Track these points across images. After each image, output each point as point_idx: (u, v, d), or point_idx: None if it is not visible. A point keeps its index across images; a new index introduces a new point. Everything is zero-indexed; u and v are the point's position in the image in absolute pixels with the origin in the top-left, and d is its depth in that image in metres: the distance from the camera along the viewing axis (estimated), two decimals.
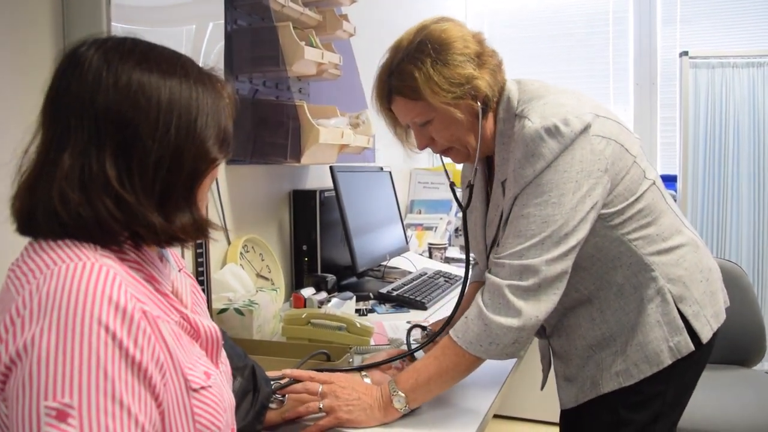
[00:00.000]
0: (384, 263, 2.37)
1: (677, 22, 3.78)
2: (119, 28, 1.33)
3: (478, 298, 1.15)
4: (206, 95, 0.77)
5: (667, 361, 1.21)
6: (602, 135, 1.14)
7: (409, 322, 1.81)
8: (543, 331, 1.37)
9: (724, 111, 3.23)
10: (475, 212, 1.36)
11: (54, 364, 0.62)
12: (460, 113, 1.18)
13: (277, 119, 1.99)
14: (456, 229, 3.14)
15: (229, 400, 0.84)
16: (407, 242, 2.67)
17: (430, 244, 2.84)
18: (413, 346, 1.37)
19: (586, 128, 1.12)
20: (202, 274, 1.45)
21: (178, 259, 0.90)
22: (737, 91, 3.22)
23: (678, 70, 3.28)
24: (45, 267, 0.67)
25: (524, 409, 2.98)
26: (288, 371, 1.18)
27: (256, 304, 1.55)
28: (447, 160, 1.33)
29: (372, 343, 1.52)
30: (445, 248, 2.80)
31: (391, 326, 1.76)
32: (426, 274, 2.31)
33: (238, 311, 1.52)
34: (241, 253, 1.88)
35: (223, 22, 1.77)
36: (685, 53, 3.23)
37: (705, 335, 1.23)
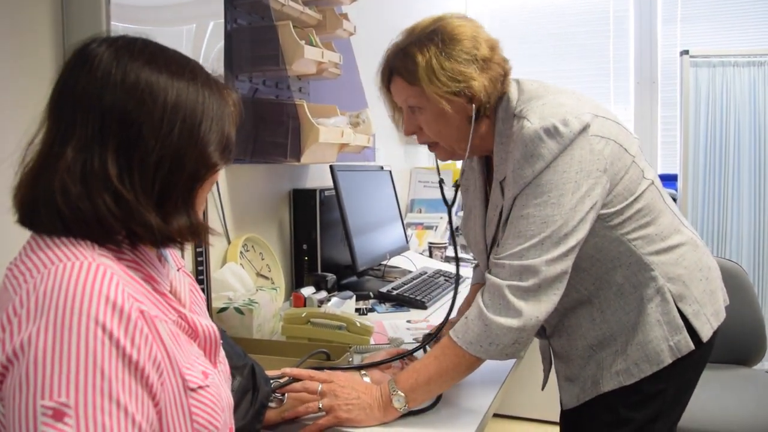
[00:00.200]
0: (384, 262, 2.37)
1: (678, 21, 3.78)
2: (119, 27, 1.33)
3: (479, 298, 1.15)
4: (212, 100, 0.77)
5: (668, 360, 1.21)
6: (601, 135, 1.14)
7: (409, 321, 1.81)
8: (543, 331, 1.37)
9: (724, 110, 3.22)
10: (474, 211, 1.36)
11: (51, 364, 0.62)
12: (451, 110, 1.17)
13: (277, 118, 1.99)
14: (456, 228, 3.13)
15: (227, 399, 0.84)
16: (407, 241, 2.67)
17: (431, 243, 2.84)
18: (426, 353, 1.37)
19: (584, 128, 1.12)
20: (201, 273, 1.45)
21: (177, 259, 0.90)
22: (738, 90, 3.21)
23: (678, 69, 3.28)
24: (42, 266, 0.68)
25: (524, 409, 2.98)
26: (287, 370, 1.18)
27: (256, 303, 1.55)
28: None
29: (372, 342, 1.52)
30: (445, 247, 2.80)
31: (391, 325, 1.76)
32: (426, 273, 2.31)
33: (238, 310, 1.52)
34: (241, 252, 1.88)
35: (222, 21, 1.77)
36: (686, 52, 3.23)
37: (705, 334, 1.23)
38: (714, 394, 1.99)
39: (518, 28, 3.99)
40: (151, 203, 0.73)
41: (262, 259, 2.01)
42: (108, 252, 0.72)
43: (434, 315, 1.90)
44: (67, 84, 0.74)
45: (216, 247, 1.82)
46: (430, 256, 2.76)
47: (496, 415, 2.97)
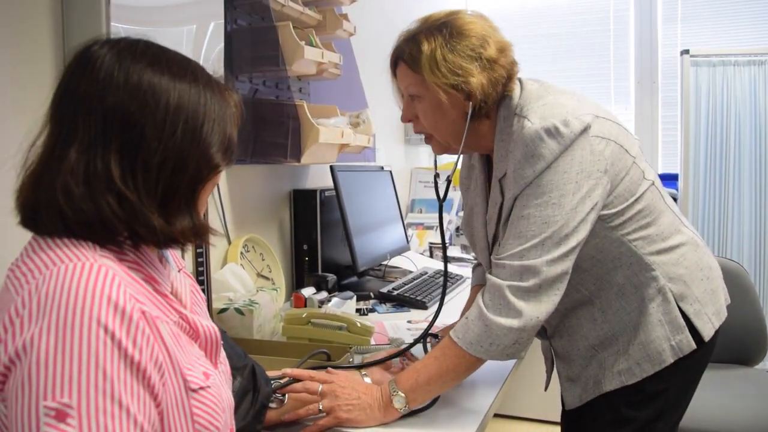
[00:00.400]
0: (384, 263, 2.37)
1: (678, 21, 3.78)
2: (119, 28, 1.33)
3: (479, 299, 1.15)
4: (214, 102, 0.78)
5: (669, 359, 1.21)
6: (602, 136, 1.14)
7: (409, 321, 1.81)
8: (544, 332, 1.37)
9: (725, 109, 3.22)
10: (476, 209, 1.37)
11: (53, 364, 0.62)
12: (448, 102, 1.18)
13: (277, 119, 1.99)
14: (457, 228, 3.13)
15: (228, 400, 0.85)
16: (408, 241, 2.67)
17: (431, 243, 2.84)
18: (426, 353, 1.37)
19: (585, 129, 1.12)
20: (202, 274, 1.45)
21: (178, 260, 0.90)
22: (738, 89, 3.21)
23: (679, 68, 3.28)
24: (44, 267, 0.68)
25: (525, 409, 2.98)
26: (288, 370, 1.18)
27: (257, 303, 1.55)
28: (442, 158, 1.36)
29: (372, 342, 1.52)
30: (446, 247, 2.80)
31: (392, 326, 1.76)
32: (427, 273, 2.31)
33: (239, 311, 1.52)
34: (241, 253, 1.88)
35: (222, 21, 1.77)
36: (686, 51, 3.23)
37: (707, 333, 1.23)
38: (715, 393, 1.99)
39: (518, 28, 3.98)
40: (154, 204, 0.73)
41: (263, 260, 2.01)
42: (109, 253, 0.72)
43: (432, 316, 1.90)
44: (69, 86, 0.74)
45: (216, 247, 1.82)
46: (431, 256, 2.76)
47: (496, 415, 2.97)
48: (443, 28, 1.17)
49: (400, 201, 2.69)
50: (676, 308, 1.21)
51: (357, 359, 1.36)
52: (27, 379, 0.62)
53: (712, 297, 1.27)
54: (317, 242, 2.14)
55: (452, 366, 1.14)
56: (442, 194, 1.33)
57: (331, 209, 2.18)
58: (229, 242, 1.90)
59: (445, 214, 3.26)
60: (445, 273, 1.34)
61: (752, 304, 2.24)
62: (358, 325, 1.50)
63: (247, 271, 1.84)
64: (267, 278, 2.01)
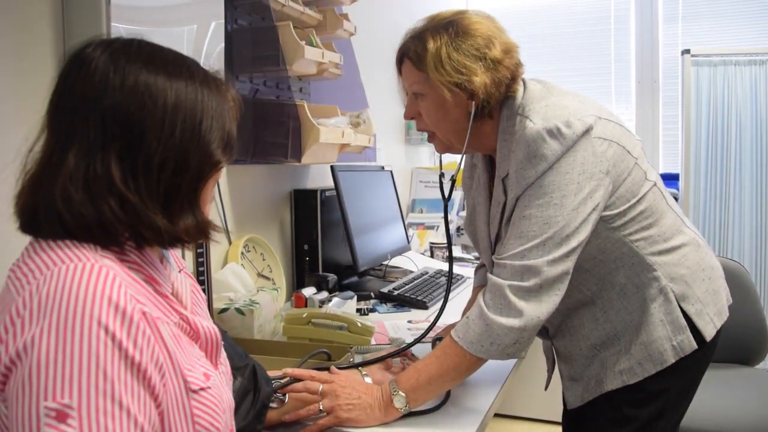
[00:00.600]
0: (385, 262, 2.37)
1: (679, 20, 3.78)
2: (120, 28, 1.33)
3: (480, 298, 1.15)
4: (211, 98, 0.77)
5: (671, 359, 1.21)
6: (604, 137, 1.15)
7: (410, 321, 1.81)
8: (546, 332, 1.37)
9: (726, 109, 3.22)
10: (479, 208, 1.37)
11: (54, 365, 0.62)
12: (451, 101, 1.18)
13: (278, 119, 1.99)
14: (458, 228, 3.13)
15: (228, 401, 0.85)
16: (408, 241, 2.67)
17: (432, 243, 2.84)
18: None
19: (587, 130, 1.12)
20: (202, 274, 1.45)
21: (179, 260, 0.90)
22: (739, 88, 3.21)
23: (680, 68, 3.28)
24: (45, 267, 0.68)
25: (526, 408, 2.98)
26: (289, 370, 1.18)
27: (257, 303, 1.55)
28: (445, 158, 1.35)
29: (373, 342, 1.52)
30: (446, 247, 2.80)
31: (392, 326, 1.76)
32: (427, 273, 2.31)
33: (239, 311, 1.52)
34: (242, 253, 1.88)
35: (223, 21, 1.77)
36: (687, 51, 3.22)
37: (708, 333, 1.23)
38: (716, 393, 1.99)
39: (519, 28, 3.98)
40: (157, 205, 0.73)
41: (263, 260, 2.01)
42: (110, 253, 0.72)
43: (435, 315, 1.90)
44: (65, 90, 0.74)
45: (217, 247, 1.82)
46: (432, 256, 2.76)
47: (497, 415, 2.97)
48: (449, 27, 1.17)
49: (400, 201, 2.69)
50: (678, 308, 1.21)
51: (358, 359, 1.37)
52: (27, 379, 0.62)
53: (713, 297, 1.27)
54: (318, 242, 2.14)
55: (453, 365, 1.14)
56: (447, 194, 1.33)
57: (331, 209, 2.19)
58: (230, 242, 1.90)
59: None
60: (450, 272, 1.34)
61: (753, 303, 2.24)
62: (359, 325, 1.50)
63: (248, 271, 1.84)
64: (267, 278, 2.01)
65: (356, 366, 1.26)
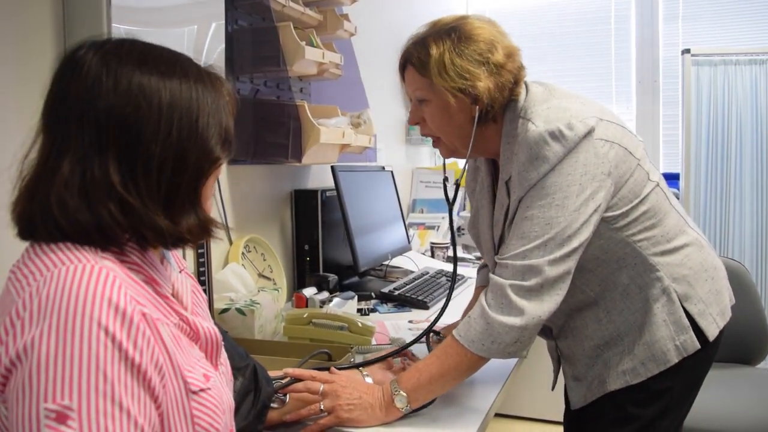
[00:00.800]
0: (386, 263, 2.37)
1: (679, 20, 3.78)
2: (120, 29, 1.33)
3: (482, 298, 1.15)
4: (206, 94, 0.77)
5: (674, 359, 1.22)
6: (606, 139, 1.15)
7: (411, 321, 1.81)
8: (550, 332, 1.37)
9: (726, 108, 3.22)
10: (482, 211, 1.37)
11: (54, 367, 0.62)
12: (455, 106, 1.18)
13: (278, 119, 1.99)
14: (458, 228, 3.14)
15: (228, 402, 0.84)
16: (409, 241, 2.67)
17: (432, 243, 2.84)
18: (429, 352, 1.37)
19: (589, 132, 1.13)
20: (203, 274, 1.45)
21: (180, 260, 0.90)
22: (739, 88, 3.21)
23: (680, 67, 3.27)
24: (45, 269, 0.67)
25: (527, 408, 2.98)
26: (289, 370, 1.18)
27: (258, 303, 1.55)
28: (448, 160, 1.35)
29: (373, 342, 1.52)
30: (447, 247, 2.80)
31: (393, 326, 1.76)
32: (428, 273, 2.31)
33: (240, 311, 1.52)
34: (242, 253, 1.88)
35: (223, 22, 1.77)
36: (687, 51, 3.22)
37: (711, 333, 1.24)
38: (717, 393, 1.99)
39: (519, 28, 3.98)
40: (158, 206, 0.73)
41: (264, 260, 2.01)
42: (110, 255, 0.72)
43: (436, 315, 1.90)
44: (58, 94, 0.73)
45: (218, 248, 1.82)
46: (432, 256, 2.76)
47: (498, 415, 2.97)
48: (452, 33, 1.18)
49: (401, 201, 2.69)
50: (681, 308, 1.22)
51: (358, 359, 1.37)
52: (28, 381, 0.62)
53: (716, 297, 1.27)
54: (318, 242, 2.14)
55: (454, 365, 1.15)
56: (451, 198, 1.33)
57: (332, 209, 2.19)
58: (231, 242, 1.90)
59: (446, 214, 3.26)
60: (454, 274, 1.34)
61: (754, 303, 2.24)
62: (360, 325, 1.50)
63: (249, 272, 1.84)
64: (268, 278, 2.01)
65: (357, 366, 1.26)
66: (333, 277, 2.02)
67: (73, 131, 0.71)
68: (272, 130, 1.99)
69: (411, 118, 1.29)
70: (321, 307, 1.75)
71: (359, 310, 1.91)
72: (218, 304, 1.55)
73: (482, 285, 1.54)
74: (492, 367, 1.21)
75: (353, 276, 2.21)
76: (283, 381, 1.16)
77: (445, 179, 1.37)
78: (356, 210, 2.16)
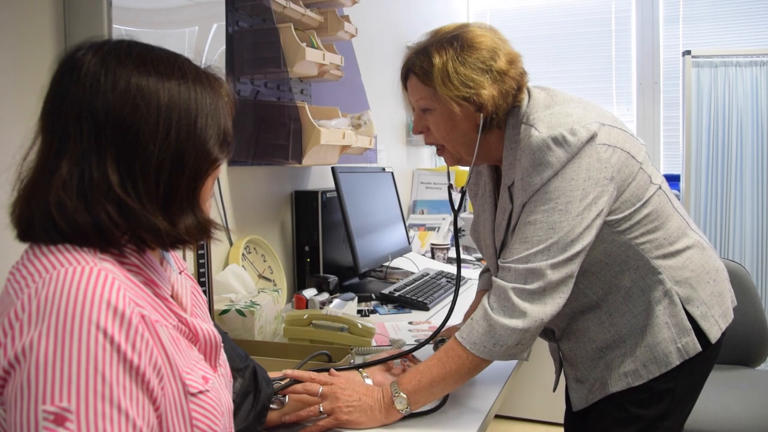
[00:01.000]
0: (386, 264, 2.37)
1: (680, 21, 3.78)
2: (121, 30, 1.33)
3: (484, 301, 1.16)
4: (205, 95, 0.77)
5: (676, 361, 1.22)
6: (608, 143, 1.15)
7: (411, 323, 1.81)
8: (552, 334, 1.37)
9: (726, 110, 3.22)
10: (484, 216, 1.37)
11: (52, 368, 0.62)
12: (460, 114, 1.19)
13: (279, 120, 1.99)
14: (459, 229, 3.13)
15: (227, 404, 0.84)
16: (409, 243, 2.67)
17: (433, 244, 2.84)
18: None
19: (592, 137, 1.13)
20: (203, 275, 1.45)
21: (179, 261, 0.90)
22: (740, 90, 3.21)
23: (681, 69, 3.28)
24: (44, 271, 0.67)
25: (527, 410, 2.98)
26: (288, 372, 1.18)
27: (258, 305, 1.55)
28: (442, 161, 1.35)
29: (373, 343, 1.52)
30: (447, 249, 2.80)
31: (393, 327, 1.76)
32: (428, 274, 2.31)
33: (240, 312, 1.52)
34: (243, 254, 1.88)
35: (224, 24, 1.77)
36: (688, 52, 3.23)
37: (713, 335, 1.24)
38: (717, 394, 1.98)
39: (519, 29, 3.99)
40: (156, 207, 0.73)
41: (264, 261, 2.01)
42: (110, 256, 0.72)
43: (436, 316, 1.90)
44: (57, 95, 0.73)
45: (218, 249, 1.83)
46: (433, 257, 2.76)
47: (498, 417, 2.96)
48: (454, 41, 1.18)
49: (401, 202, 2.69)
50: (683, 311, 1.22)
51: (358, 360, 1.37)
52: (26, 383, 0.62)
53: (718, 299, 1.28)
54: (319, 243, 2.15)
55: (455, 367, 1.15)
56: (457, 204, 1.34)
57: (332, 210, 2.19)
58: (231, 243, 1.90)
59: (448, 216, 3.26)
60: (458, 280, 1.34)
61: (754, 305, 2.24)
62: (360, 326, 1.50)
63: (249, 273, 1.84)
64: (268, 279, 2.01)
65: (357, 367, 1.26)
66: (333, 279, 2.02)
67: (72, 132, 0.71)
68: (273, 131, 1.99)
69: (415, 127, 1.29)
70: (321, 308, 1.75)
71: (359, 312, 1.91)
72: (218, 305, 1.55)
73: (484, 289, 1.54)
74: (492, 368, 1.21)
75: (353, 277, 2.21)
76: (283, 382, 1.16)
77: (450, 186, 1.38)
78: (356, 211, 2.16)
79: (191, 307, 0.86)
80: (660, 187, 1.24)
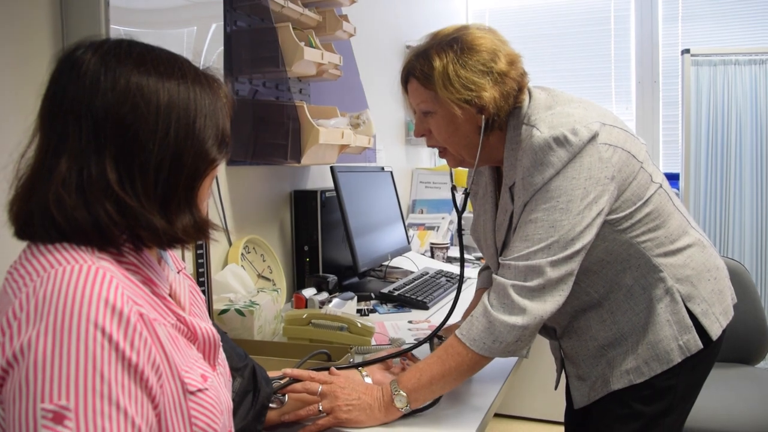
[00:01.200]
0: (385, 263, 2.37)
1: (679, 20, 3.78)
2: (119, 30, 1.33)
3: (484, 298, 1.16)
4: (204, 96, 0.77)
5: (677, 359, 1.23)
6: (609, 143, 1.16)
7: (410, 322, 1.81)
8: (554, 332, 1.38)
9: (726, 108, 3.22)
10: (484, 216, 1.38)
11: (51, 367, 0.62)
12: (461, 117, 1.19)
13: (277, 120, 1.99)
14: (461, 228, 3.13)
15: (227, 402, 0.84)
16: (409, 242, 2.67)
17: (432, 243, 2.84)
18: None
19: (593, 137, 1.14)
20: (202, 275, 1.45)
21: (177, 261, 0.90)
22: (739, 88, 3.21)
23: (680, 67, 3.28)
24: (42, 270, 0.67)
25: (527, 408, 2.98)
26: (288, 371, 1.18)
27: (257, 304, 1.55)
28: (441, 161, 1.35)
29: (373, 343, 1.52)
30: (447, 248, 2.80)
31: (393, 326, 1.76)
32: (428, 273, 2.31)
33: (239, 312, 1.52)
34: (242, 254, 1.88)
35: (222, 23, 1.77)
36: (687, 51, 3.23)
37: (714, 332, 1.25)
38: (717, 392, 1.98)
39: (519, 28, 3.99)
40: (154, 206, 0.73)
41: (264, 261, 2.01)
42: (108, 255, 0.72)
43: (436, 315, 1.90)
44: (56, 93, 0.73)
45: (217, 248, 1.82)
46: (432, 256, 2.76)
47: (498, 415, 2.96)
48: (454, 44, 1.18)
49: (401, 201, 2.69)
50: (684, 308, 1.23)
51: (358, 360, 1.37)
52: (24, 381, 0.62)
53: (719, 297, 1.28)
54: (318, 243, 2.15)
55: (455, 365, 1.15)
56: (461, 206, 1.34)
57: (331, 210, 2.19)
58: (230, 243, 1.90)
59: (446, 215, 3.26)
60: (461, 280, 1.34)
61: (753, 303, 2.24)
62: (359, 325, 1.50)
63: (248, 272, 1.84)
64: (268, 279, 2.01)
65: (356, 366, 1.26)
66: (332, 278, 2.02)
67: (71, 130, 0.71)
68: (271, 130, 1.99)
69: (416, 130, 1.29)
70: (320, 307, 1.75)
71: (359, 311, 1.91)
72: (217, 305, 1.55)
73: (483, 287, 1.54)
74: (492, 366, 1.21)
75: (353, 276, 2.21)
76: (282, 381, 1.16)
77: (453, 188, 1.38)
78: (356, 210, 2.16)
79: (189, 306, 0.86)
80: (661, 186, 1.25)
